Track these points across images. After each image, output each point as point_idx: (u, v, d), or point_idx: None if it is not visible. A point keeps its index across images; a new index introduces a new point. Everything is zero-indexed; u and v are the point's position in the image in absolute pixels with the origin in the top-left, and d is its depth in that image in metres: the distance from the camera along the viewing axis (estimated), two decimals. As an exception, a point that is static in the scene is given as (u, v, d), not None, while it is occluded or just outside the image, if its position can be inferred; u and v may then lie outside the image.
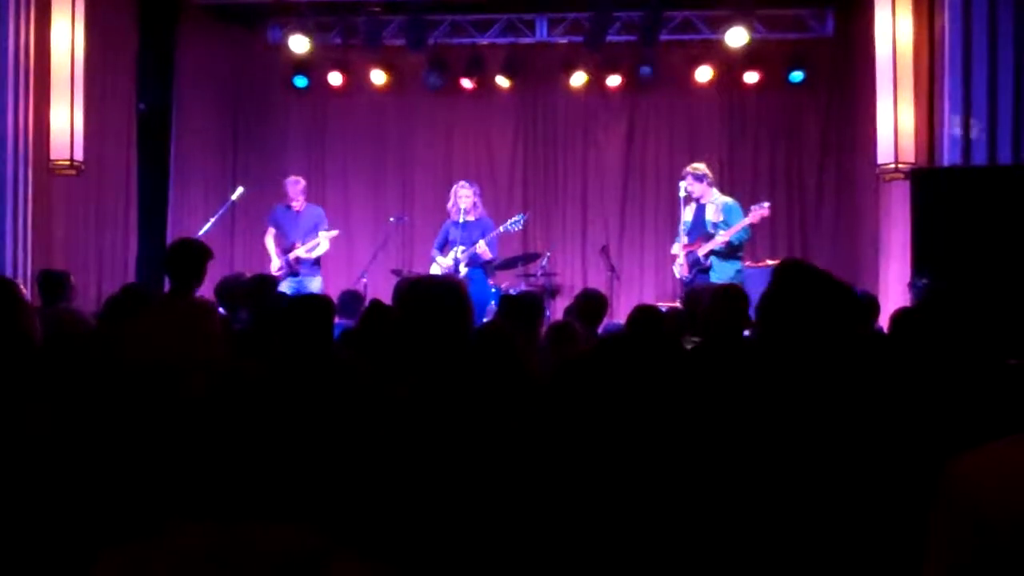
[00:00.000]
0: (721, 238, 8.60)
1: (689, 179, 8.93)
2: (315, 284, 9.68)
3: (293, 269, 9.69)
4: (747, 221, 8.63)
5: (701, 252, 8.71)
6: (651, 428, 2.47)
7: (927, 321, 3.84)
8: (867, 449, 2.48)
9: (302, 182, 10.07)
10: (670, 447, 2.46)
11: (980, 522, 1.56)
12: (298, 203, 9.99)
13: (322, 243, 9.86)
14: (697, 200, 8.94)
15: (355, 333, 4.92)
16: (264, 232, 10.22)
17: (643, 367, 2.62)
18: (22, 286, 5.00)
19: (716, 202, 8.78)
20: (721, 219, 8.67)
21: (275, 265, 9.79)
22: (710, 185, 8.93)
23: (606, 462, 2.43)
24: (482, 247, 9.54)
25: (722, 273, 8.50)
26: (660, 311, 4.87)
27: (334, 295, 7.60)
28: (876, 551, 2.36)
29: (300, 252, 9.74)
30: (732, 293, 5.03)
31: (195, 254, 5.39)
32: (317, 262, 9.93)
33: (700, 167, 9.03)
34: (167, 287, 5.43)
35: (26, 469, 2.63)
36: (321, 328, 3.85)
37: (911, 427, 2.66)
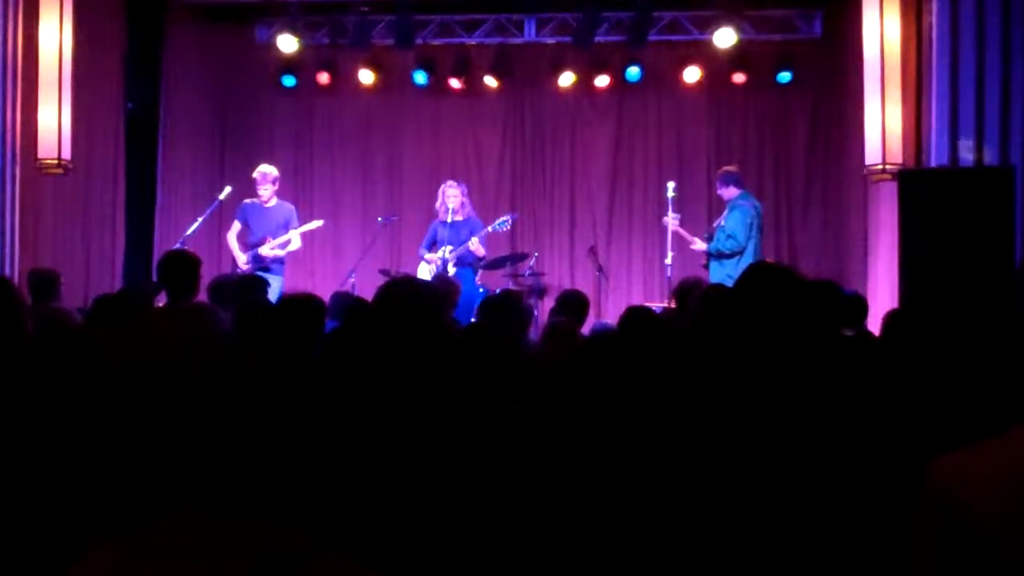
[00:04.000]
0: (698, 245, 9.10)
1: (717, 184, 9.49)
2: (276, 284, 9.13)
3: (262, 264, 9.39)
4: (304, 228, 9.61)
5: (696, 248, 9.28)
6: (635, 427, 2.48)
7: (918, 323, 3.85)
8: (845, 448, 2.49)
9: (273, 173, 9.75)
10: (654, 445, 2.47)
11: (961, 522, 1.57)
12: (267, 194, 9.69)
13: (293, 240, 9.63)
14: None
15: (339, 333, 4.92)
16: (228, 228, 10.00)
17: (630, 367, 2.63)
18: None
19: (728, 206, 9.14)
20: (723, 224, 9.01)
21: (241, 260, 9.56)
22: (736, 187, 9.32)
23: (591, 461, 2.43)
24: (475, 244, 9.56)
25: (714, 275, 8.75)
26: (653, 312, 4.88)
27: (324, 295, 7.58)
28: (856, 549, 2.36)
29: (268, 249, 9.46)
30: (714, 294, 5.04)
31: (187, 265, 5.44)
32: (282, 261, 9.67)
33: (725, 169, 9.45)
34: (163, 298, 5.48)
35: (13, 463, 2.63)
36: (311, 329, 3.84)
37: (894, 427, 2.67)
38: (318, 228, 10.06)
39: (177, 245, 9.18)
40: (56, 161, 9.34)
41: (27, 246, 9.05)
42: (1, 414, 2.79)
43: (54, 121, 9.29)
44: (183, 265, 5.48)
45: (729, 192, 9.28)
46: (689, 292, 5.53)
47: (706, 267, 9.19)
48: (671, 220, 9.48)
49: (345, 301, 7.35)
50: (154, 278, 10.67)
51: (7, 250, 8.80)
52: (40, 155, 9.28)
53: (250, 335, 3.78)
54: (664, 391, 2.64)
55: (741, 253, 8.95)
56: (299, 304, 3.97)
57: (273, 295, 8.19)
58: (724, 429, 2.49)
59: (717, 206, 11.22)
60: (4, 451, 2.70)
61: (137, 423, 2.72)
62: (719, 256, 8.96)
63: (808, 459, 2.41)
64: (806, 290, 2.78)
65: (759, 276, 2.79)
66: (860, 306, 6.38)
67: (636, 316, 4.40)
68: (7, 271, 8.61)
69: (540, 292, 10.76)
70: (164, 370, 2.95)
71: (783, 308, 2.65)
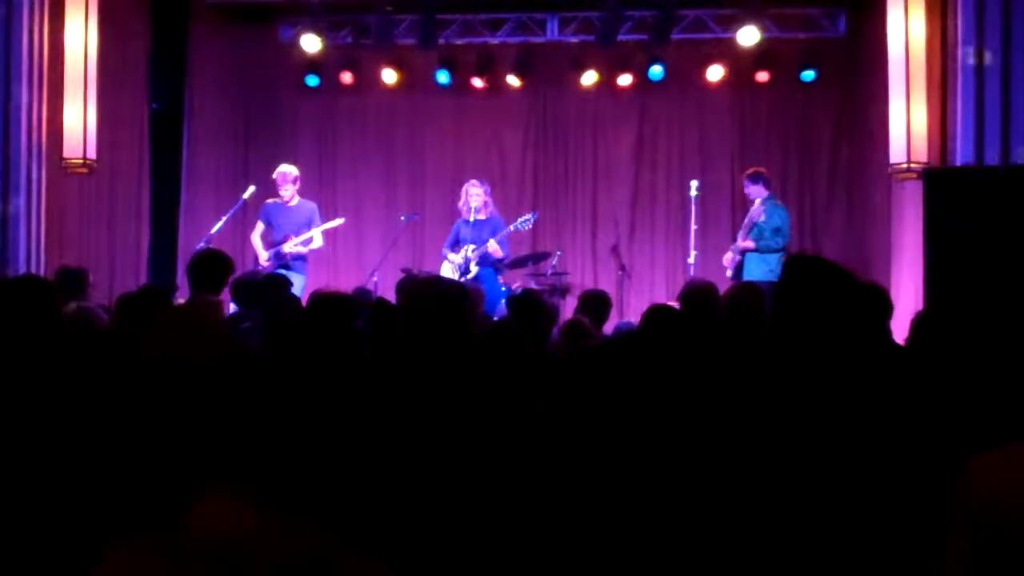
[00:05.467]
0: (740, 244, 9.20)
1: (745, 182, 9.50)
2: (298, 282, 8.99)
3: (283, 262, 9.38)
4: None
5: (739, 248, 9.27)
6: (660, 426, 2.47)
7: (947, 325, 3.82)
8: (881, 449, 2.47)
9: (293, 172, 9.75)
10: (679, 445, 2.46)
11: (997, 522, 1.56)
12: (288, 194, 9.68)
13: (316, 238, 9.64)
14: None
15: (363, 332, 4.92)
16: (252, 228, 10.05)
17: (655, 364, 2.62)
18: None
19: (764, 203, 9.15)
20: (763, 219, 9.00)
21: (263, 257, 9.58)
22: (764, 187, 9.37)
23: (614, 459, 2.42)
24: (493, 246, 9.55)
25: (753, 271, 8.75)
26: (676, 310, 4.86)
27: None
28: (886, 551, 2.35)
29: (291, 246, 9.45)
30: (745, 291, 5.02)
31: (218, 265, 5.47)
32: (304, 260, 9.66)
33: (756, 169, 9.59)
34: (186, 292, 5.50)
35: (38, 461, 2.65)
36: (343, 329, 3.83)
37: (924, 428, 2.65)
38: (340, 226, 10.08)
39: (201, 244, 9.22)
40: (81, 160, 9.41)
41: (53, 245, 9.12)
42: (28, 411, 2.81)
43: (79, 121, 9.35)
44: (212, 264, 5.51)
45: (758, 191, 9.30)
46: (698, 296, 5.50)
47: (738, 265, 9.16)
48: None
49: (366, 299, 7.34)
50: (179, 276, 10.81)
51: (33, 249, 8.86)
52: (65, 154, 9.34)
53: (280, 335, 3.79)
54: (689, 389, 2.64)
55: (788, 247, 9.02)
56: (330, 304, 3.97)
57: (296, 293, 8.20)
58: (759, 427, 2.48)
59: (740, 205, 11.19)
60: (29, 449, 2.72)
61: (155, 420, 2.74)
62: (767, 251, 8.95)
63: (841, 457, 2.40)
64: (854, 284, 2.76)
65: (807, 268, 2.77)
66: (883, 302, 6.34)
67: (659, 314, 4.39)
68: (33, 270, 8.67)
69: (563, 291, 10.74)
70: (177, 365, 2.96)
71: (833, 302, 2.63)
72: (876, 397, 2.57)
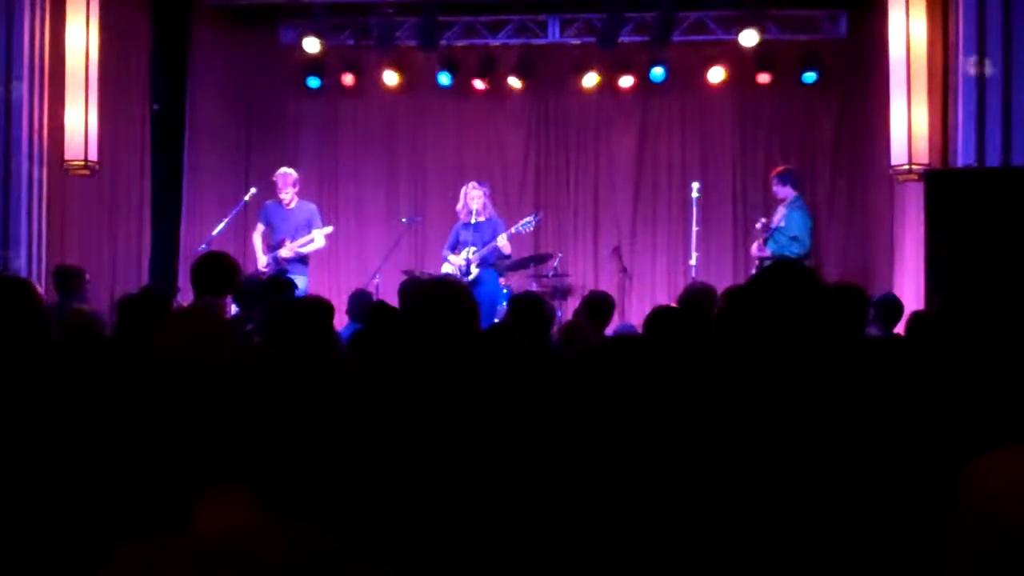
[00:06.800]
0: (756, 253, 9.04)
1: (774, 182, 9.44)
2: (300, 284, 8.99)
3: (281, 266, 9.39)
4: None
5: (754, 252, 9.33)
6: (661, 428, 2.47)
7: (943, 324, 3.82)
8: (879, 451, 2.47)
9: (293, 175, 9.81)
10: (678, 446, 2.46)
11: (1001, 521, 1.56)
12: (288, 196, 9.73)
13: (316, 239, 9.65)
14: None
15: (363, 335, 4.93)
16: (253, 229, 10.12)
17: (658, 366, 2.63)
18: (37, 286, 5.04)
19: (788, 206, 9.11)
20: (782, 225, 8.98)
21: (262, 262, 9.62)
22: (792, 187, 9.38)
23: (616, 461, 2.42)
24: (503, 240, 9.59)
25: None
26: (680, 312, 4.87)
27: (346, 296, 7.62)
28: (886, 552, 2.35)
29: (287, 250, 9.49)
30: (739, 294, 5.04)
31: (222, 267, 5.45)
32: (305, 261, 9.70)
33: (785, 167, 9.61)
34: (188, 294, 5.49)
35: (39, 465, 2.65)
36: (318, 329, 3.83)
37: (919, 428, 2.65)
38: (342, 228, 10.10)
39: (203, 246, 9.23)
40: (83, 162, 9.39)
41: (54, 247, 9.11)
42: (24, 417, 2.81)
43: (81, 122, 9.34)
44: (216, 267, 5.50)
45: (786, 192, 9.28)
46: (696, 298, 5.52)
47: (759, 268, 9.17)
48: (760, 224, 9.42)
49: (365, 301, 7.35)
50: (180, 278, 10.82)
51: (34, 251, 8.86)
52: (67, 156, 9.32)
53: (275, 337, 3.80)
54: (688, 393, 2.64)
55: (807, 256, 8.95)
56: (305, 308, 3.97)
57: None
58: (740, 432, 2.48)
59: (742, 207, 11.20)
60: (29, 454, 2.72)
61: (158, 422, 2.74)
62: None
63: (838, 461, 2.40)
64: (823, 289, 2.77)
65: (777, 274, 2.78)
66: (894, 309, 6.35)
67: (663, 316, 4.39)
68: (34, 272, 8.68)
69: (564, 293, 10.76)
70: (179, 367, 2.97)
71: (799, 306, 2.64)
72: (864, 398, 2.57)
